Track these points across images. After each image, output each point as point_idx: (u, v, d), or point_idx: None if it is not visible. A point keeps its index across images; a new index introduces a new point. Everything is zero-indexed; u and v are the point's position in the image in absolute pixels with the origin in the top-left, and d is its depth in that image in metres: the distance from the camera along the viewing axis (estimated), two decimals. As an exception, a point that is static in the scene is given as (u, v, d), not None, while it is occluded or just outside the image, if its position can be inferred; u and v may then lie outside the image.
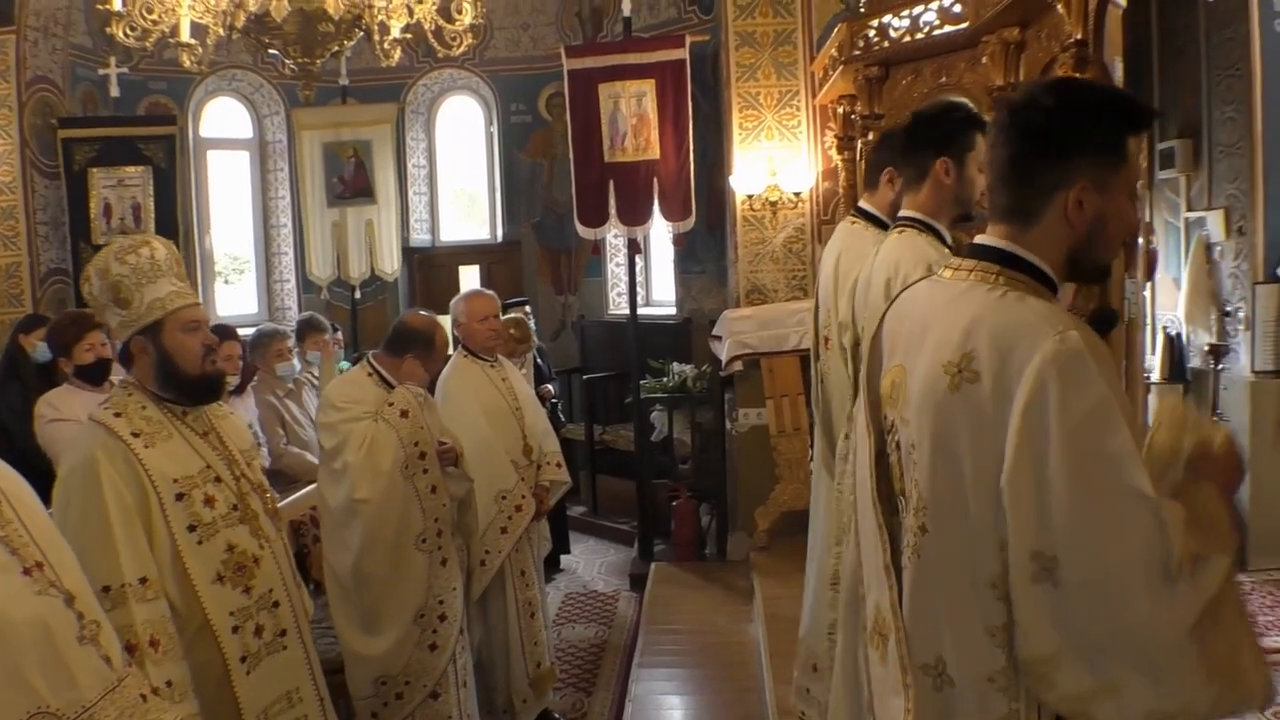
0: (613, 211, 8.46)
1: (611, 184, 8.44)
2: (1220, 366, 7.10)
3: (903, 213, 3.60)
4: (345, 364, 7.57)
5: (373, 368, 4.59)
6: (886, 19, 6.34)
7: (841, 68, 6.76)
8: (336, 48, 6.30)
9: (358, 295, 10.94)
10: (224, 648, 2.92)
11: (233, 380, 6.00)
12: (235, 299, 11.96)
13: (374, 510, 4.32)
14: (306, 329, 7.25)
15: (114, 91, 9.75)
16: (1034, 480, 1.81)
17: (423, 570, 4.42)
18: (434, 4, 6.44)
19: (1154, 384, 7.59)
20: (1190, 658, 1.76)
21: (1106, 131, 1.96)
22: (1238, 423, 6.94)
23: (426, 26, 6.45)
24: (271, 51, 6.50)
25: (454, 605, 4.53)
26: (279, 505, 3.43)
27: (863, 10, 7.31)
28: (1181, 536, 1.76)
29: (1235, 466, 2.00)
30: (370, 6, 6.15)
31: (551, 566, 8.40)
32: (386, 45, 6.35)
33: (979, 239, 2.07)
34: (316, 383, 6.91)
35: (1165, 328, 7.63)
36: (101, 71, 9.80)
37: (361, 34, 6.34)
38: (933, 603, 2.00)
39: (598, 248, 9.36)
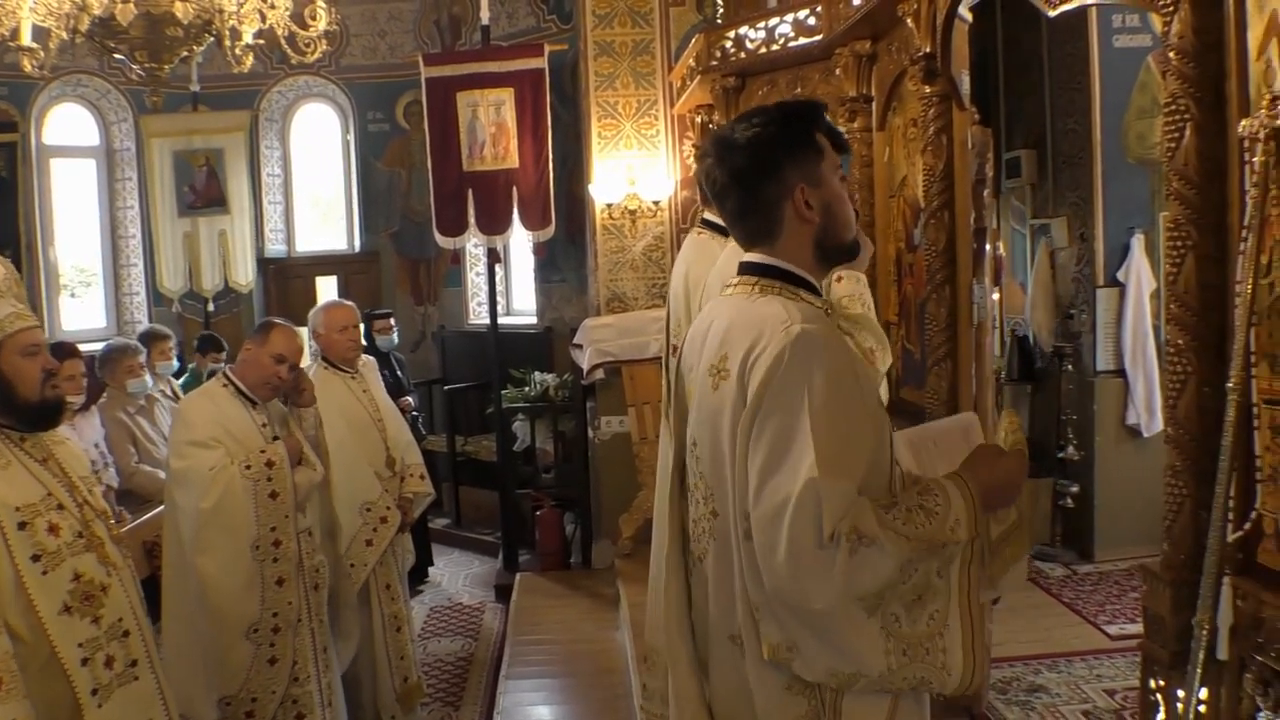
0: (472, 221, 8.40)
1: (470, 193, 8.38)
2: (1065, 367, 7.38)
3: None
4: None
5: (227, 379, 4.46)
6: (743, 30, 6.44)
7: (699, 78, 6.84)
8: (186, 53, 6.13)
9: (211, 308, 10.65)
10: (74, 681, 2.78)
11: (75, 400, 5.75)
12: (82, 313, 11.47)
13: (213, 582, 4.12)
14: (150, 340, 7.01)
15: (-49, 98, 9.35)
16: (748, 449, 2.04)
17: (243, 662, 4.16)
18: (287, 10, 6.31)
19: (1004, 384, 7.86)
20: (858, 624, 1.96)
21: (795, 135, 2.20)
22: (1082, 419, 7.22)
23: (279, 32, 6.32)
24: (118, 56, 6.29)
25: (265, 708, 4.23)
26: (131, 526, 3.31)
27: (719, 21, 7.41)
28: (848, 512, 1.93)
29: (1007, 472, 2.20)
30: (220, 11, 6.00)
31: (416, 580, 8.29)
32: (238, 51, 6.20)
33: (744, 258, 2.29)
34: (170, 398, 6.73)
35: (1014, 330, 7.90)
36: (-63, 77, 9.38)
37: (212, 39, 6.17)
38: (730, 579, 2.16)
39: (457, 257, 9.31)
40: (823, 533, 1.91)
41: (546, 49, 8.45)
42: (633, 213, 8.47)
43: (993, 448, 2.28)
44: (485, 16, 8.43)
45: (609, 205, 8.47)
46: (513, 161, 8.34)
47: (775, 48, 6.22)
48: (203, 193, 10.58)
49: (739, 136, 2.21)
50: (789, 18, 6.11)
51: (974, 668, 2.00)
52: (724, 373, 2.13)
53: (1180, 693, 2.52)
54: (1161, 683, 2.66)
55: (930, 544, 1.98)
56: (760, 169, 2.19)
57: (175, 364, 7.26)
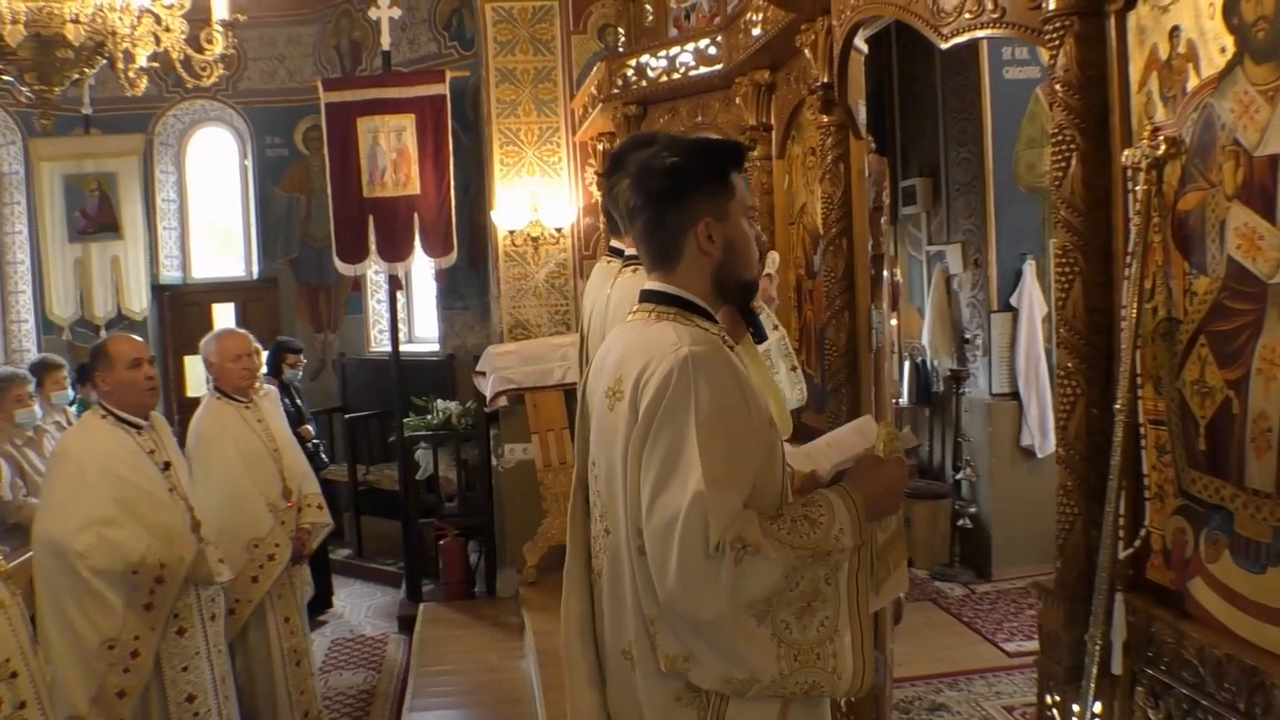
0: (373, 247, 8.32)
1: (371, 219, 8.31)
2: (961, 390, 7.52)
3: (630, 250, 3.69)
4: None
5: (105, 409, 4.36)
6: (644, 59, 6.49)
7: (601, 105, 6.87)
8: (77, 75, 5.97)
9: (103, 335, 10.38)
10: (-43, 724, 2.70)
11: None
12: (-35, 341, 11.17)
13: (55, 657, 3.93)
14: (43, 370, 6.82)
15: None
16: (639, 465, 2.10)
17: None
18: (182, 33, 6.19)
19: (903, 407, 7.99)
20: (748, 632, 2.02)
21: (710, 171, 2.27)
22: (979, 441, 7.36)
23: (174, 56, 6.19)
24: (6, 78, 6.12)
25: None
26: (19, 561, 3.20)
27: (621, 50, 7.45)
28: (733, 524, 1.99)
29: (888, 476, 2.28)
30: (113, 34, 5.86)
31: (316, 612, 8.15)
32: (131, 74, 6.07)
33: (645, 286, 2.36)
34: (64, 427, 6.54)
35: (912, 355, 8.04)
36: None
37: (104, 61, 6.03)
38: (621, 595, 2.22)
39: (358, 284, 9.21)
40: (709, 544, 1.97)
41: (448, 75, 8.43)
42: (535, 240, 8.46)
43: (873, 457, 2.35)
44: (386, 42, 8.39)
45: (511, 232, 8.46)
46: (414, 188, 8.29)
47: (676, 76, 6.28)
48: (95, 218, 10.38)
49: (659, 163, 2.27)
50: (690, 47, 6.18)
51: (863, 672, 2.09)
52: (619, 394, 2.19)
53: (1076, 707, 2.57)
54: (1058, 698, 2.70)
55: (815, 552, 2.05)
56: (670, 196, 2.25)
57: (71, 393, 7.08)
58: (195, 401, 5.56)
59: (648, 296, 2.32)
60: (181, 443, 4.81)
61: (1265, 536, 2.11)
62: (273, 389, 5.71)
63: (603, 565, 2.29)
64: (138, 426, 4.34)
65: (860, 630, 2.10)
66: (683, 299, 2.27)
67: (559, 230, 8.50)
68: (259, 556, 5.11)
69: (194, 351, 5.32)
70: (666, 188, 2.25)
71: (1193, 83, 2.27)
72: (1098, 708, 2.50)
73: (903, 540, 2.42)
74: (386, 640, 7.98)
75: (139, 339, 4.51)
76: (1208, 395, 2.26)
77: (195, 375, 10.30)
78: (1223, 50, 2.16)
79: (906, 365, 8.05)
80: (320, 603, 8.30)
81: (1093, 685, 2.49)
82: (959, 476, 7.47)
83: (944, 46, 3.27)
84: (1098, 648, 2.48)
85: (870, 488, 2.21)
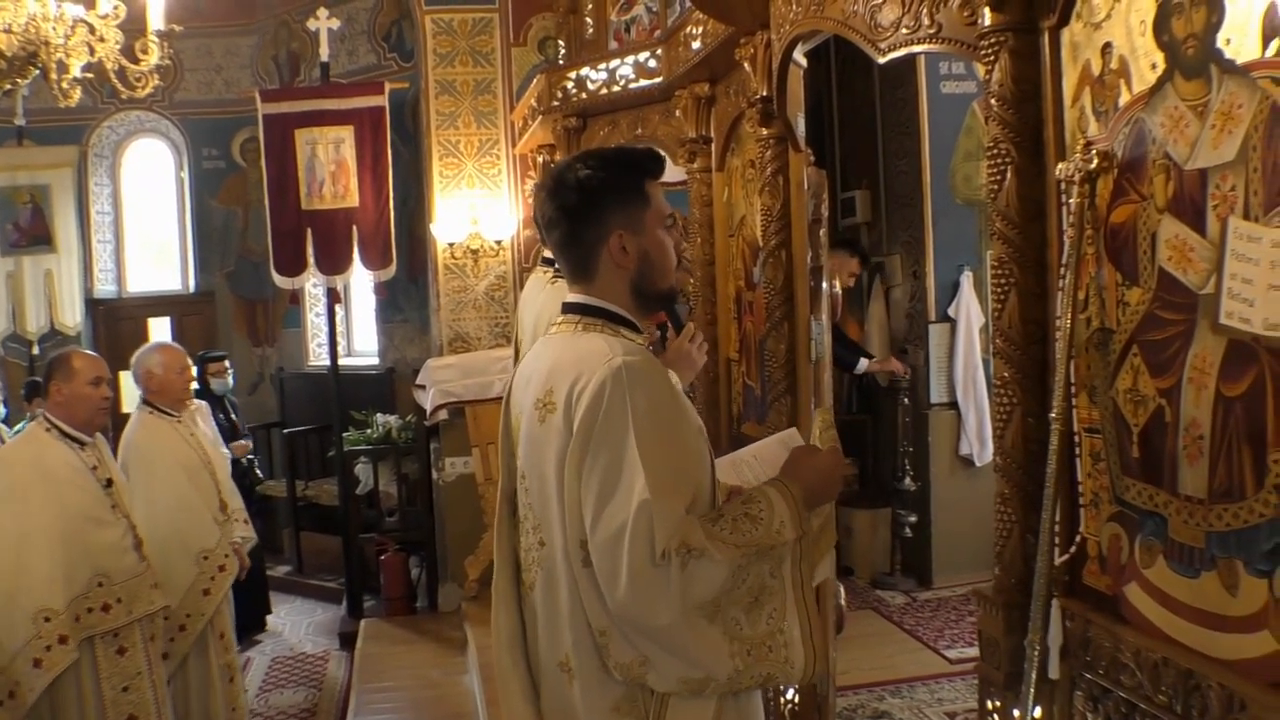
0: (311, 260, 8.25)
1: (309, 232, 8.25)
2: (901, 400, 7.58)
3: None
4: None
5: (50, 422, 4.29)
6: (584, 71, 6.50)
7: (540, 118, 6.88)
8: (9, 86, 5.87)
9: (36, 350, 10.21)
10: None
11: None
12: (-107, 356, 10.93)
13: None
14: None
15: None
16: (580, 477, 2.09)
17: None
18: (117, 43, 6.11)
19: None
20: (700, 633, 2.04)
21: (623, 183, 2.28)
22: (918, 451, 7.41)
23: (109, 66, 6.11)
24: (-63, 89, 6.00)
25: None
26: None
27: (561, 62, 7.46)
28: (677, 530, 2.01)
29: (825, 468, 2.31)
30: (46, 44, 5.76)
31: (254, 629, 8.05)
32: (65, 85, 5.97)
33: (567, 298, 2.36)
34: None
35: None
36: None
37: (37, 72, 5.94)
38: (556, 607, 2.21)
39: (296, 297, 9.13)
40: (655, 551, 1.98)
41: (387, 87, 8.40)
42: (475, 252, 8.44)
43: (809, 448, 2.39)
44: (325, 53, 8.34)
45: (451, 244, 8.43)
46: (353, 200, 8.24)
47: (616, 89, 6.30)
48: (27, 230, 10.21)
49: (571, 176, 2.28)
50: (630, 60, 6.20)
51: (814, 659, 2.11)
52: (550, 406, 2.18)
53: (1016, 712, 2.60)
54: (998, 703, 2.73)
55: (759, 548, 2.08)
56: (583, 210, 2.26)
57: (2, 410, 6.95)
58: (128, 417, 5.48)
59: (570, 308, 2.33)
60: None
61: (1198, 542, 2.15)
62: (204, 405, 5.63)
63: (536, 578, 2.28)
64: (81, 443, 4.28)
65: (808, 618, 2.12)
66: (606, 310, 2.29)
67: (499, 243, 8.48)
68: (209, 568, 5.04)
69: (129, 366, 5.23)
70: (577, 201, 2.26)
71: (1125, 98, 2.31)
72: (1038, 713, 2.53)
73: (833, 525, 2.45)
74: (327, 658, 7.90)
75: (101, 359, 4.46)
76: (1141, 404, 2.30)
77: (131, 390, 10.15)
78: (1154, 67, 2.20)
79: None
80: (257, 621, 8.20)
81: (1032, 690, 2.52)
82: (899, 486, 7.52)
83: (882, 60, 3.31)
84: (1036, 653, 2.51)
85: (807, 478, 2.24)
